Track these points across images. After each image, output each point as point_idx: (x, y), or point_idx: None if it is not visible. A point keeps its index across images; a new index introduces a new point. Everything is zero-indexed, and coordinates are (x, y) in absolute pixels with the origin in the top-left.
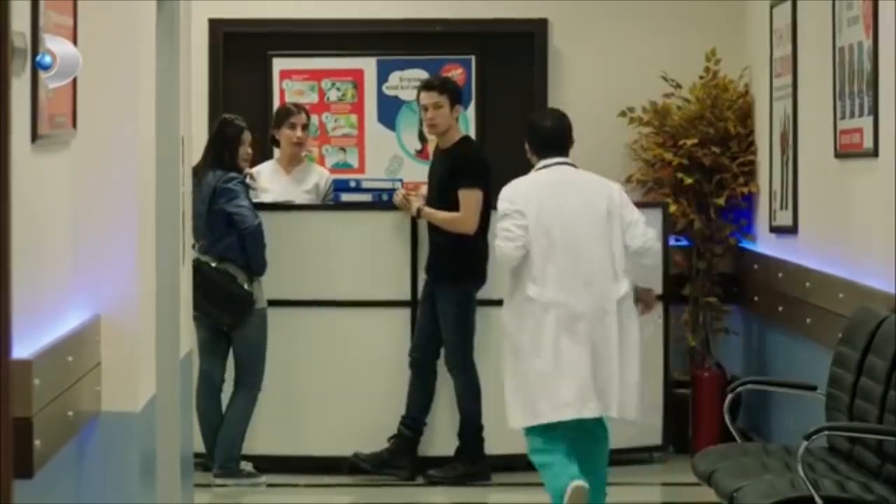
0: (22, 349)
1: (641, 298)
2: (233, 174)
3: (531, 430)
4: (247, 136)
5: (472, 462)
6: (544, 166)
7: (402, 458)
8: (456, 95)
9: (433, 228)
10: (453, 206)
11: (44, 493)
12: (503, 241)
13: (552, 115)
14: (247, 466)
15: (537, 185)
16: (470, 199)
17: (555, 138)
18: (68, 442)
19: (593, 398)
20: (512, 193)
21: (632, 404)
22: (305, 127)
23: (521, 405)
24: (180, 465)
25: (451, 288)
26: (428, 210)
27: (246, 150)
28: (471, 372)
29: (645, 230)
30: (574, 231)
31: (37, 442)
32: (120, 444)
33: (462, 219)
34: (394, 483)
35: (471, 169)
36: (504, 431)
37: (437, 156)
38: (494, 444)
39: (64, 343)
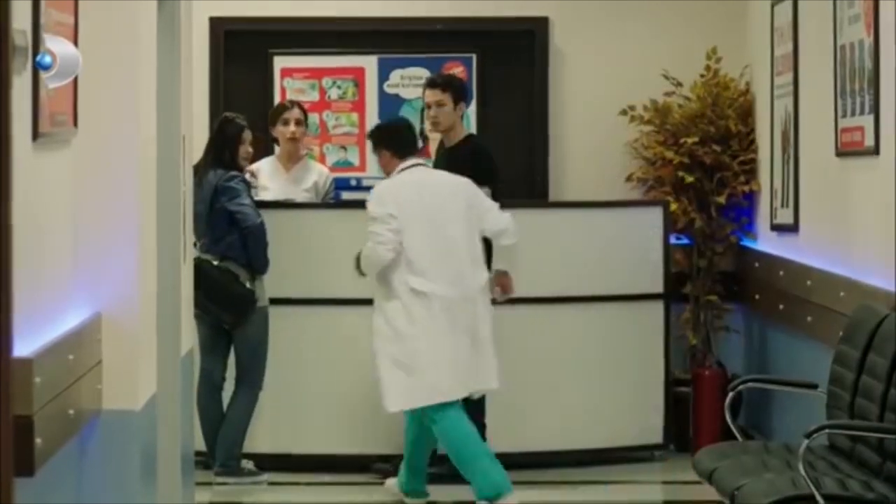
0: (23, 347)
1: (499, 283)
2: (234, 172)
3: (439, 408)
4: (247, 134)
5: None
6: (405, 168)
7: None
8: (460, 93)
9: None
10: None
11: (45, 491)
12: (376, 245)
13: (399, 119)
14: (248, 465)
15: (405, 186)
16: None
17: (413, 139)
18: (69, 440)
19: (471, 377)
20: (382, 196)
21: (496, 377)
22: (300, 122)
23: (407, 387)
24: (181, 464)
25: None
26: None
27: (246, 149)
28: None
29: (500, 213)
30: (443, 226)
31: (38, 440)
32: (121, 442)
33: None
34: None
35: (476, 166)
36: (505, 429)
37: (441, 153)
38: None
39: (65, 341)
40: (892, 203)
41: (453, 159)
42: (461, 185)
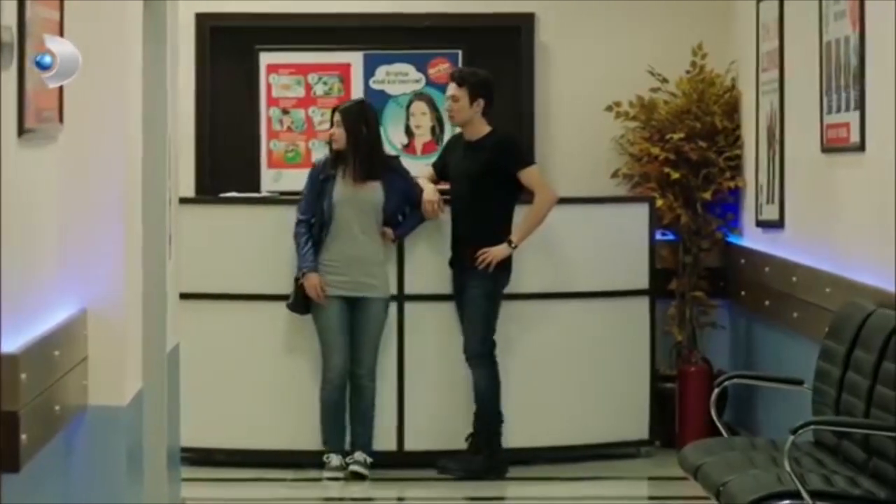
0: (9, 343)
1: None
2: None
3: None
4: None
5: (489, 455)
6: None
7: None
8: (477, 89)
9: (468, 220)
10: (493, 194)
11: (31, 487)
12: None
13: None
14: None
15: None
16: (533, 176)
17: None
18: (55, 436)
19: None
20: None
21: None
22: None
23: None
24: (167, 459)
25: (484, 279)
26: (520, 235)
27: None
28: (493, 365)
29: None
30: None
31: (23, 436)
32: (107, 437)
33: (543, 199)
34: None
35: (516, 151)
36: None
37: (460, 147)
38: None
39: (51, 337)
40: (877, 199)
41: (477, 154)
42: None
